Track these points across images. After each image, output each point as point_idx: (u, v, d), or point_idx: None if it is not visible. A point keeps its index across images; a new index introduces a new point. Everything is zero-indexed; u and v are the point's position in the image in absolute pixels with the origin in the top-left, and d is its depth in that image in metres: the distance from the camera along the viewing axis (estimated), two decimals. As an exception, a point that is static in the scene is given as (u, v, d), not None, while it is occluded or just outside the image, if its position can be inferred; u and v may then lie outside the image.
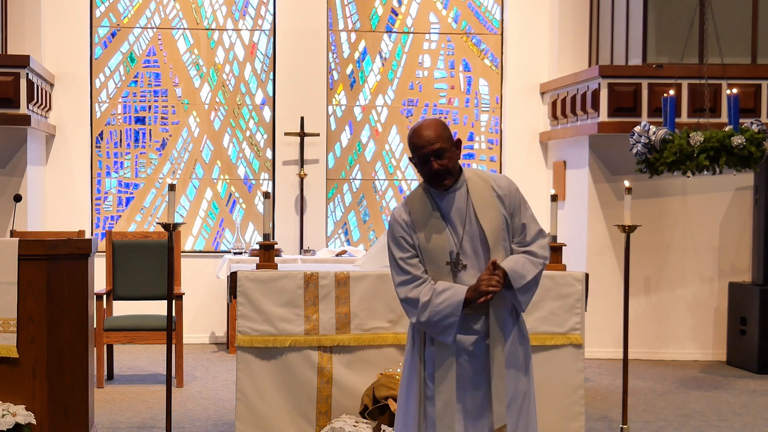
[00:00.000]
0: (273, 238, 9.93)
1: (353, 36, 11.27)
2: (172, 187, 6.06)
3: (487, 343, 4.17)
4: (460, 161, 4.26)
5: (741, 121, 8.17)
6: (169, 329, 6.20)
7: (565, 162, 10.74)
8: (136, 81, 11.03)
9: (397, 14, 11.31)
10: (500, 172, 11.17)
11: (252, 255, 10.13)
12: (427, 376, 4.22)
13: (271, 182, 11.06)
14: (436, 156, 4.10)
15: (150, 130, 11.05)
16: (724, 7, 9.57)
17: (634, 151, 8.26)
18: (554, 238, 6.49)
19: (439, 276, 4.16)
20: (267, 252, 6.35)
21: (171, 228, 6.01)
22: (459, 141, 4.23)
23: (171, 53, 11.06)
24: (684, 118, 9.47)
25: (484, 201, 4.18)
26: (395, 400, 5.84)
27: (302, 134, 10.85)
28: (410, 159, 4.23)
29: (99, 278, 8.07)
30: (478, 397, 4.21)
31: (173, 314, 7.22)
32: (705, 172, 8.11)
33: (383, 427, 5.87)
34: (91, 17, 10.93)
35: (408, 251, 4.17)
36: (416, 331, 4.27)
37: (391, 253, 4.20)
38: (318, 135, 10.94)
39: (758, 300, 9.48)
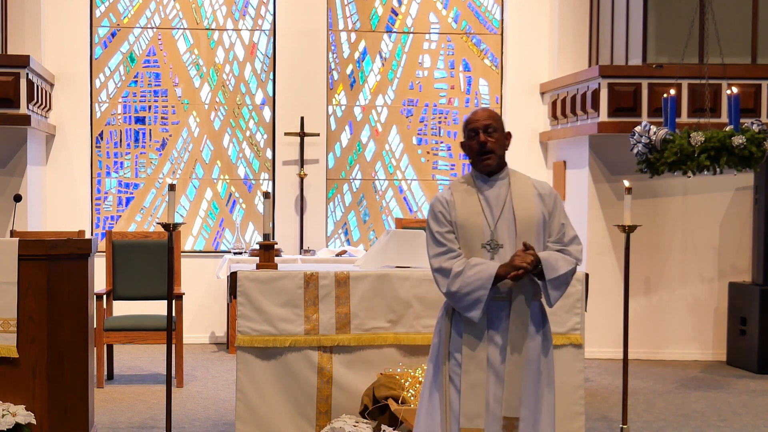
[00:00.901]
0: (273, 238, 9.94)
1: (353, 36, 11.27)
2: (172, 187, 6.06)
3: (506, 333, 4.24)
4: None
5: (741, 121, 8.17)
6: (169, 329, 6.20)
7: (565, 162, 10.74)
8: (136, 81, 11.03)
9: (397, 14, 11.31)
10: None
11: (252, 255, 10.13)
12: (452, 364, 4.25)
13: (271, 182, 11.06)
14: (485, 130, 4.30)
15: (150, 130, 11.05)
16: (724, 7, 9.57)
17: (635, 151, 8.25)
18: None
19: (473, 256, 4.26)
20: (267, 252, 6.35)
21: (171, 228, 6.01)
22: (509, 133, 4.42)
23: (171, 53, 11.06)
24: (684, 118, 9.47)
25: (523, 194, 4.34)
26: (395, 400, 5.84)
27: (302, 134, 10.85)
28: (461, 144, 4.42)
29: (99, 278, 8.07)
30: (496, 387, 4.24)
31: (173, 314, 7.22)
32: (705, 172, 8.11)
33: (383, 427, 5.87)
34: (91, 17, 10.93)
35: (446, 226, 4.30)
36: (444, 321, 4.32)
37: (429, 229, 4.33)
38: (318, 135, 10.94)
39: (758, 300, 9.48)
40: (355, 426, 5.93)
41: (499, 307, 4.25)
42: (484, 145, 4.30)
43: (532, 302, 4.30)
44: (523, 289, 4.26)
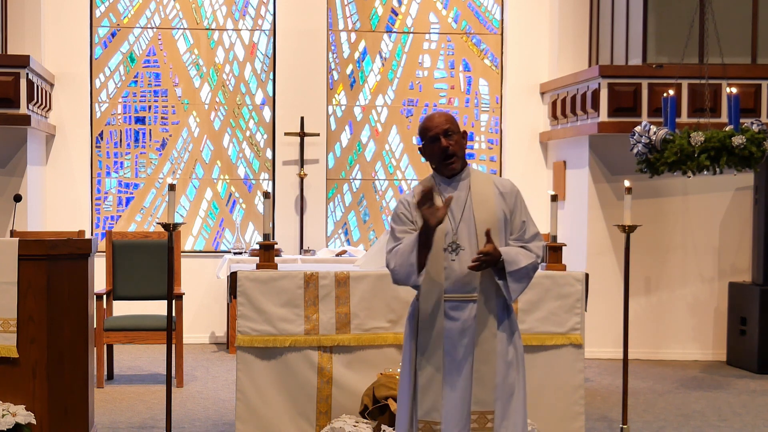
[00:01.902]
0: (273, 238, 9.93)
1: (353, 36, 11.27)
2: (172, 187, 6.06)
3: (473, 328, 4.31)
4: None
5: (741, 121, 8.17)
6: (169, 329, 6.20)
7: (565, 162, 10.74)
8: (136, 81, 11.03)
9: (397, 14, 11.31)
10: (500, 172, 11.18)
11: (252, 255, 10.13)
12: (417, 362, 4.37)
13: (271, 182, 11.06)
14: (445, 135, 4.36)
15: (150, 130, 11.05)
16: (724, 7, 9.57)
17: (635, 151, 8.26)
18: (554, 238, 6.49)
19: (435, 261, 4.31)
20: (267, 252, 6.35)
21: (171, 228, 6.01)
22: (466, 133, 4.49)
23: (171, 53, 11.06)
24: (684, 118, 9.47)
25: (483, 194, 4.39)
26: (395, 400, 5.84)
27: (302, 134, 10.85)
28: (420, 149, 4.50)
29: (99, 278, 8.07)
30: (463, 383, 4.32)
31: (173, 314, 7.22)
32: (705, 172, 8.11)
33: (383, 427, 5.87)
34: (91, 17, 10.93)
35: (407, 224, 4.37)
36: (411, 319, 4.44)
37: (391, 230, 4.41)
38: (318, 135, 10.94)
39: (758, 300, 9.48)
40: (355, 426, 5.93)
41: (465, 306, 4.32)
42: (447, 150, 4.36)
43: (497, 299, 4.36)
44: (488, 288, 4.33)
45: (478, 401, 4.30)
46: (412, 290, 6.35)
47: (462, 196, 4.37)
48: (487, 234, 4.23)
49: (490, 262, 4.24)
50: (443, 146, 4.35)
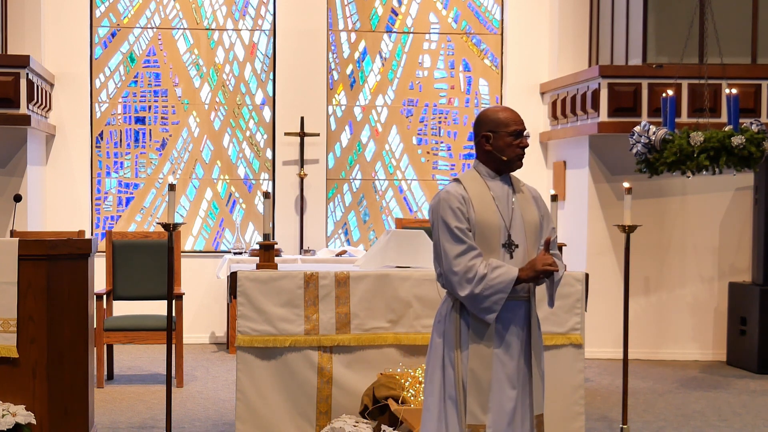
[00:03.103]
0: (273, 238, 9.95)
1: (353, 36, 11.27)
2: (172, 187, 6.06)
3: (523, 330, 4.24)
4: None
5: (741, 121, 8.17)
6: (169, 329, 6.20)
7: (565, 162, 10.74)
8: (136, 81, 11.03)
9: (397, 14, 11.31)
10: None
11: (252, 255, 10.13)
12: (463, 364, 4.18)
13: (271, 182, 11.06)
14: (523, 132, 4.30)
15: (150, 130, 11.05)
16: (724, 7, 9.57)
17: (634, 151, 8.26)
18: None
19: (491, 256, 4.19)
20: (267, 252, 6.36)
21: (171, 228, 6.01)
22: None
23: (171, 53, 11.06)
24: (684, 118, 9.47)
25: (524, 195, 4.35)
26: (395, 400, 5.84)
27: (302, 134, 10.85)
28: (484, 137, 4.28)
29: (99, 278, 8.07)
30: (520, 386, 4.23)
31: (173, 314, 7.22)
32: (704, 172, 8.11)
33: (383, 427, 5.87)
34: (91, 17, 10.93)
35: (464, 222, 4.17)
36: (450, 321, 4.22)
37: (446, 224, 4.16)
38: (318, 135, 10.94)
39: (758, 300, 9.48)
40: (355, 426, 5.93)
41: (516, 306, 4.23)
42: (525, 148, 4.31)
43: (536, 301, 4.33)
44: (533, 290, 4.28)
45: (539, 404, 4.23)
46: (412, 290, 6.32)
47: (505, 194, 4.27)
48: (547, 243, 4.17)
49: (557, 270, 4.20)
50: (526, 144, 4.28)
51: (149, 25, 11.05)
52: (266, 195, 6.35)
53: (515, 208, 4.26)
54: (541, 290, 4.37)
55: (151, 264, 8.67)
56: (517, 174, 4.45)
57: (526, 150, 4.31)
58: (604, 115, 9.66)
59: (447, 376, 4.22)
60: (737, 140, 7.90)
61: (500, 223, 4.20)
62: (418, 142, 11.32)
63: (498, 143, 4.27)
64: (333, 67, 11.20)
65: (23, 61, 9.46)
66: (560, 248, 6.57)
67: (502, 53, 11.34)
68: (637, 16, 10.04)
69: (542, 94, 11.21)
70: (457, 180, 4.30)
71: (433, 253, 4.32)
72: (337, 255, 10.46)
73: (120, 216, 11.00)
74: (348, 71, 11.25)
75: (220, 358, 9.89)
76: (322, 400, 6.20)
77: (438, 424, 4.23)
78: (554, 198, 6.57)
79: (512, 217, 4.24)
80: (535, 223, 4.29)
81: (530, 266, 4.16)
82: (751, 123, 8.13)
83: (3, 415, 5.51)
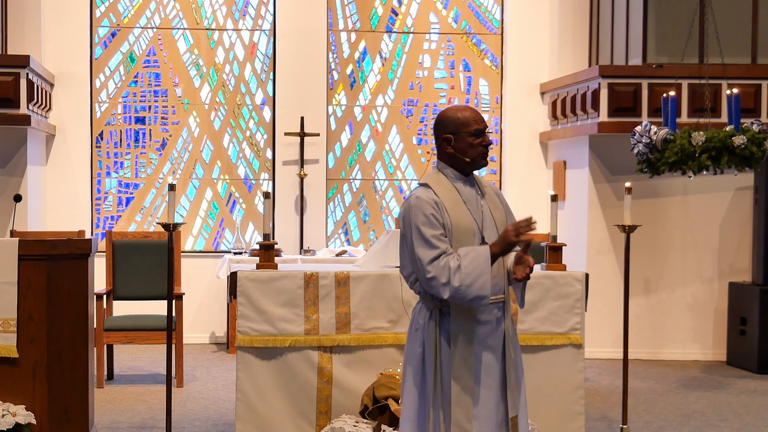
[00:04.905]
0: (273, 238, 9.94)
1: (353, 36, 11.27)
2: (172, 187, 6.06)
3: (501, 331, 4.21)
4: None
5: (741, 121, 8.17)
6: (169, 329, 6.20)
7: (565, 162, 10.74)
8: (136, 81, 11.03)
9: (397, 14, 11.31)
10: (500, 172, 11.18)
11: (252, 255, 10.13)
12: (444, 372, 4.15)
13: (271, 182, 11.06)
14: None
15: (150, 130, 11.05)
16: (724, 7, 9.57)
17: (635, 151, 8.25)
18: (554, 238, 6.48)
19: None
20: (267, 252, 6.35)
21: (171, 228, 6.01)
22: None
23: (171, 53, 11.06)
24: (684, 118, 9.47)
25: (490, 194, 4.33)
26: (395, 400, 5.84)
27: (302, 134, 10.85)
28: (445, 139, 4.22)
29: (99, 278, 8.07)
30: (497, 388, 4.21)
31: (173, 314, 7.22)
32: (705, 172, 8.11)
33: (383, 427, 5.87)
34: (91, 17, 10.93)
35: (439, 228, 4.11)
36: (429, 329, 4.18)
37: (420, 232, 4.10)
38: (318, 135, 10.94)
39: (758, 300, 9.47)
40: (355, 426, 5.93)
41: (493, 309, 4.18)
42: (489, 145, 4.26)
43: (510, 302, 4.32)
44: (507, 291, 4.25)
45: (514, 406, 4.20)
46: (412, 290, 6.34)
47: (473, 194, 4.23)
48: (527, 245, 4.10)
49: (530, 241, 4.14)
50: (489, 141, 4.23)
51: (149, 25, 11.05)
52: (266, 195, 6.35)
53: (484, 210, 4.24)
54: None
55: (151, 264, 8.67)
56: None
57: (489, 148, 4.27)
58: (604, 115, 9.66)
59: (427, 386, 4.18)
60: (739, 140, 7.90)
61: (473, 226, 4.17)
62: (418, 142, 11.32)
63: (460, 144, 4.21)
64: (333, 67, 11.20)
65: (23, 61, 9.46)
66: (560, 248, 6.57)
67: (502, 53, 11.34)
68: (637, 16, 10.04)
69: (542, 94, 11.21)
70: (425, 185, 4.23)
71: (399, 260, 4.27)
72: (337, 255, 10.46)
73: (120, 216, 11.00)
74: (348, 71, 11.25)
75: (220, 358, 9.89)
76: (322, 400, 6.20)
77: (418, 405, 4.21)
78: (554, 198, 6.56)
79: (483, 218, 4.21)
80: (503, 222, 4.27)
81: (502, 239, 4.10)
82: (752, 123, 8.13)
83: (3, 415, 5.51)
